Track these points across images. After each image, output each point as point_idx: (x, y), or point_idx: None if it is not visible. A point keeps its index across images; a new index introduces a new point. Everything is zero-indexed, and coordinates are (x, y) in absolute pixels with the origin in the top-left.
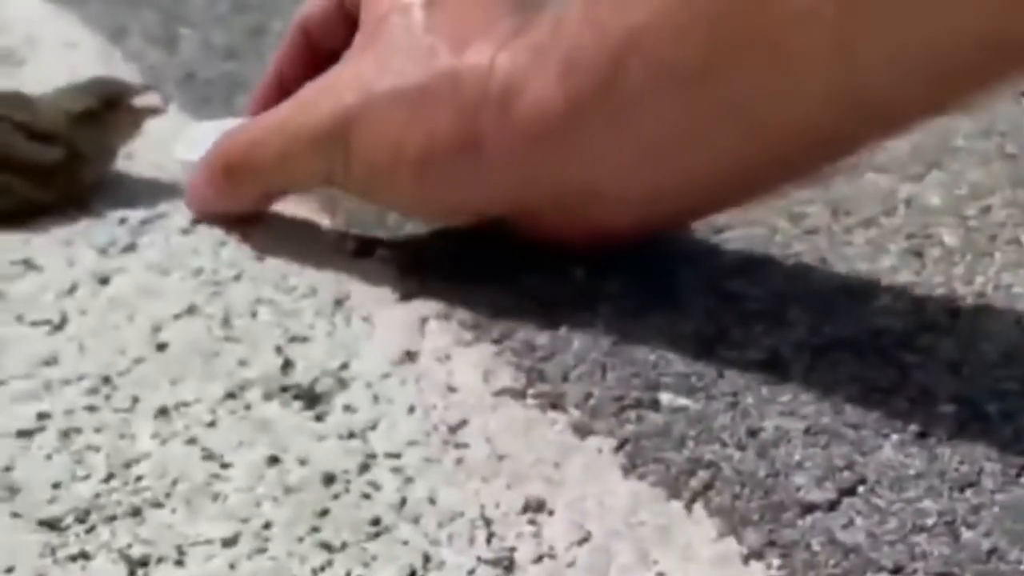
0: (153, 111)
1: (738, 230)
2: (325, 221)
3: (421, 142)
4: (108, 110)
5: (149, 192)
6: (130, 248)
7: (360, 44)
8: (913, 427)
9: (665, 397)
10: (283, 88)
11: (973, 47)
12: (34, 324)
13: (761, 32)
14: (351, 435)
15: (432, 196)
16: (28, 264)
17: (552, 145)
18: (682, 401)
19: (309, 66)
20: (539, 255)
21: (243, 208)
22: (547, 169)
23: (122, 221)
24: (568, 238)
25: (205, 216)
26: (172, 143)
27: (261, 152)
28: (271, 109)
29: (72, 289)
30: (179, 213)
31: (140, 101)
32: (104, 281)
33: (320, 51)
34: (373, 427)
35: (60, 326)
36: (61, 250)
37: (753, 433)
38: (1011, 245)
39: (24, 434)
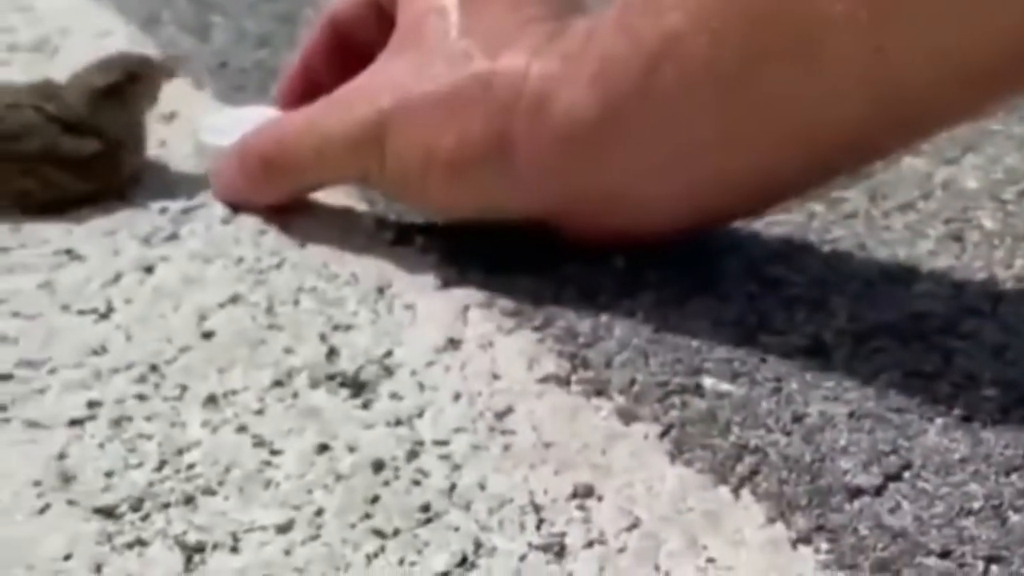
0: (168, 75)
1: (776, 216)
2: (364, 208)
3: (453, 145)
4: (131, 83)
5: (187, 181)
6: (172, 237)
7: (395, 46)
8: (957, 411)
9: (709, 382)
10: (310, 80)
11: (1008, 49)
12: (81, 313)
13: (797, 36)
14: (398, 422)
15: (462, 199)
16: (71, 254)
17: (585, 149)
18: (726, 386)
19: (338, 60)
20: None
21: (275, 201)
22: (579, 173)
23: (163, 211)
24: (600, 240)
25: (233, 204)
26: (198, 127)
27: (297, 150)
28: (305, 107)
29: (117, 278)
30: (220, 203)
31: (157, 69)
32: (148, 270)
33: (350, 45)
34: (420, 414)
35: (106, 315)
36: (104, 240)
37: (798, 418)
38: None
39: (76, 423)
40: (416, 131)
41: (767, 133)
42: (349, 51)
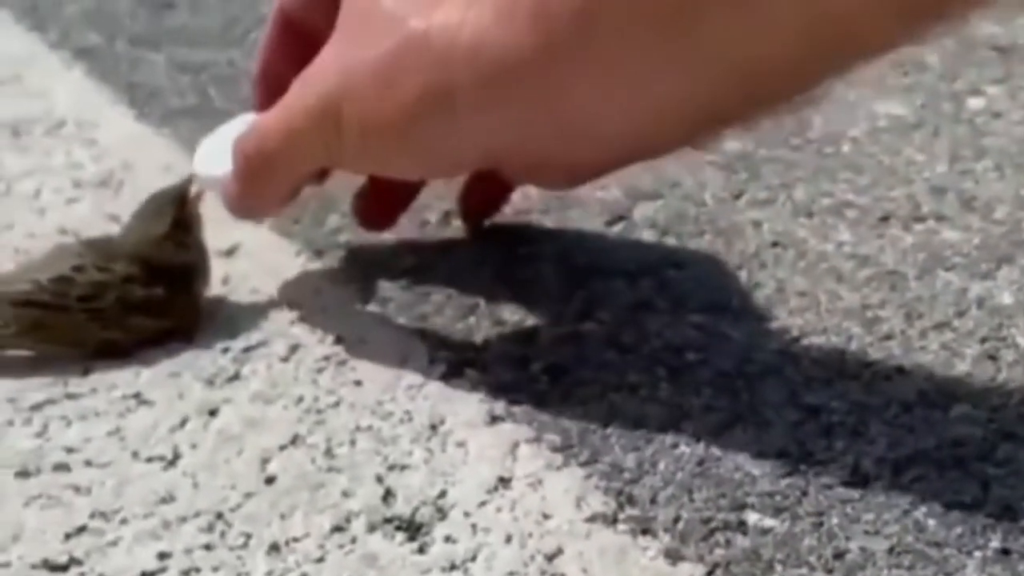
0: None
1: (813, 338)
2: (416, 342)
3: (399, 104)
4: (182, 214)
5: (249, 318)
6: (235, 378)
7: (340, 24)
8: (995, 543)
9: (752, 518)
10: (277, 77)
11: None
12: (150, 460)
13: None
14: (453, 567)
15: (417, 155)
16: (139, 398)
17: (524, 89)
18: (769, 522)
19: (296, 51)
20: (623, 371)
21: (275, 203)
22: (521, 113)
23: (225, 350)
24: (548, 176)
25: (250, 219)
26: (193, 162)
27: (270, 139)
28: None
29: (183, 423)
30: (279, 339)
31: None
32: (212, 413)
33: (305, 35)
34: (473, 558)
35: (174, 461)
36: (169, 382)
37: (839, 555)
38: None
39: (147, 575)
40: (364, 99)
41: (708, 64)
42: (305, 41)
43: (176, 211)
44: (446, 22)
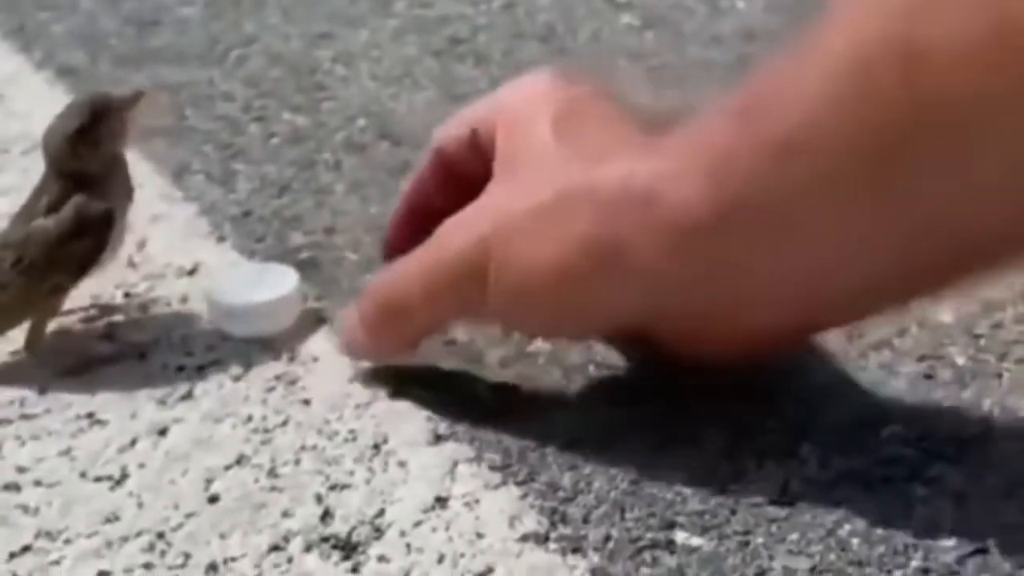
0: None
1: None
2: (366, 362)
3: (558, 254)
4: (100, 122)
5: (207, 337)
6: (187, 396)
7: (497, 172)
8: (916, 563)
9: (680, 536)
10: (420, 219)
11: None
12: (98, 480)
13: (937, 135)
14: None
15: (572, 309)
16: (92, 418)
17: (699, 245)
18: (696, 541)
19: (448, 193)
20: (563, 389)
21: (396, 351)
22: (692, 274)
23: (180, 369)
24: (712, 347)
25: (372, 361)
26: (212, 286)
27: (406, 289)
28: (416, 249)
29: (133, 443)
30: (234, 359)
31: (135, 108)
32: (162, 432)
33: (454, 181)
34: None
35: (121, 481)
36: (123, 402)
37: (762, 573)
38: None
39: None
40: (517, 249)
41: (897, 234)
42: (460, 184)
43: (87, 115)
44: (615, 171)
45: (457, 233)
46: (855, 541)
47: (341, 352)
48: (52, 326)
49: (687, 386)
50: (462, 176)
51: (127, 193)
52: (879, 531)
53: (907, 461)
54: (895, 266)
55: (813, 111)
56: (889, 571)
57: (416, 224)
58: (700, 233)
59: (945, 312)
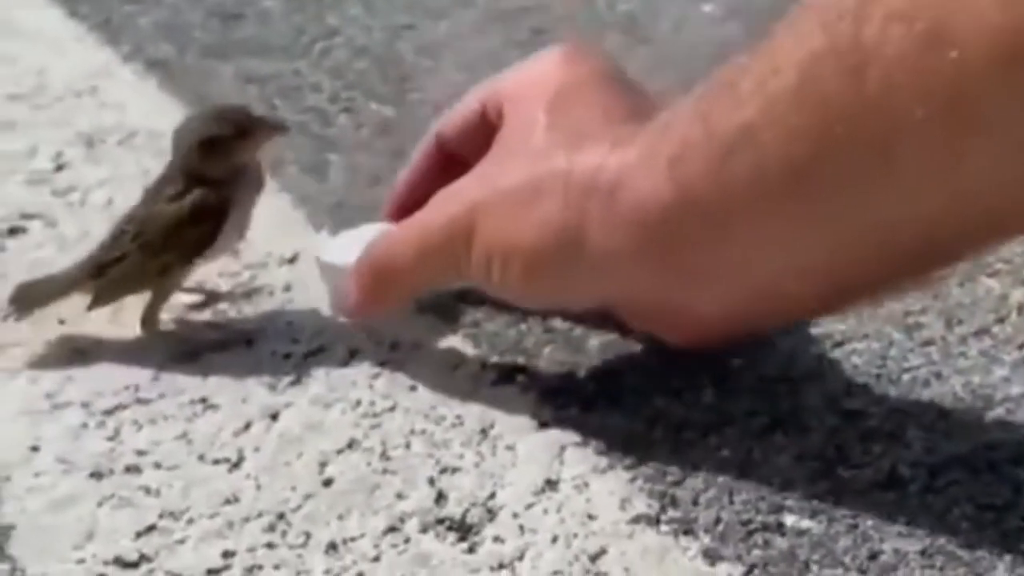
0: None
1: (856, 343)
2: (469, 350)
3: (531, 235)
4: (234, 138)
5: (311, 325)
6: (296, 382)
7: (492, 150)
8: None
9: (789, 519)
10: (418, 194)
11: None
12: (215, 463)
13: (873, 136)
14: (501, 566)
15: (540, 287)
16: (206, 403)
17: (657, 234)
18: (805, 524)
19: (445, 174)
20: (668, 376)
21: (387, 308)
22: (651, 260)
23: (287, 356)
24: (668, 324)
25: (356, 319)
26: (318, 249)
27: (402, 252)
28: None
29: (247, 427)
30: (339, 345)
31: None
32: (275, 417)
33: (456, 160)
34: (520, 557)
35: (238, 464)
36: (234, 387)
37: (873, 556)
38: None
39: (213, 572)
40: (499, 222)
41: (839, 229)
42: (454, 166)
43: (224, 127)
44: (590, 160)
45: (451, 200)
46: (964, 524)
47: (333, 311)
48: (163, 314)
49: (789, 375)
50: (456, 161)
51: (255, 186)
52: (987, 515)
53: (1011, 445)
54: (834, 260)
55: (765, 104)
56: (1000, 555)
57: (415, 199)
58: (657, 219)
59: None
